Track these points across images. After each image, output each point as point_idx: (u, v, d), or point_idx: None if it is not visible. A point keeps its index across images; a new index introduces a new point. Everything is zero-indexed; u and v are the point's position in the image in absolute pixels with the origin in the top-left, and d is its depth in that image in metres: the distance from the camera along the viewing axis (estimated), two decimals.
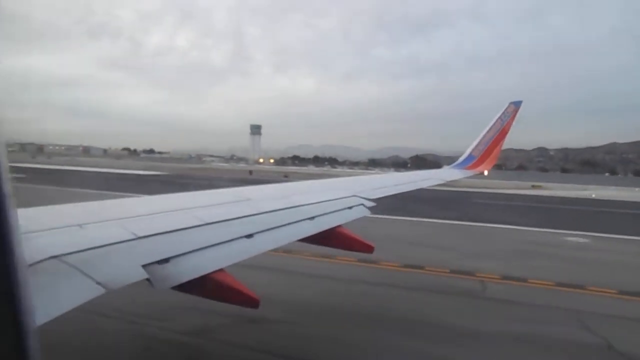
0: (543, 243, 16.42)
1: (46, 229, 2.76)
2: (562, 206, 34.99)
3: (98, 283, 2.33)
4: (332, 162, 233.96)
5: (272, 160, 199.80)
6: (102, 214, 3.37)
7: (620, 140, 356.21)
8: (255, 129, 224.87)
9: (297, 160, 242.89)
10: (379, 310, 8.46)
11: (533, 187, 61.34)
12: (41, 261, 2.29)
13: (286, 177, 53.62)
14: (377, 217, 21.34)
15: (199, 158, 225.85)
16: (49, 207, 3.42)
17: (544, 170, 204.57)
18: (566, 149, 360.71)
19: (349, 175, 10.39)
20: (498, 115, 11.48)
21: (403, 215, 21.97)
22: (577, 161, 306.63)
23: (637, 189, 66.90)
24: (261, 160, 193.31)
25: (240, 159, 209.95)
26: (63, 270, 2.32)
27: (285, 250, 11.60)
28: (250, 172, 71.37)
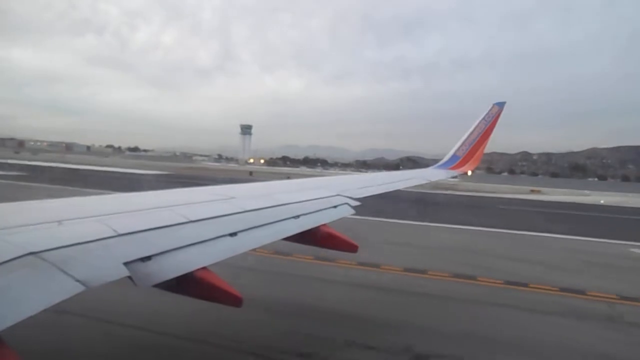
0: (609, 254, 15.82)
1: (25, 224, 2.69)
2: (581, 213, 34.57)
3: (77, 280, 2.26)
4: (324, 163, 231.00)
5: (262, 161, 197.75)
6: (83, 210, 3.29)
7: (600, 146, 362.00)
8: (246, 129, 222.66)
9: (288, 161, 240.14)
10: (527, 338, 7.49)
11: (532, 191, 61.19)
12: (19, 257, 2.23)
13: (289, 179, 52.23)
14: (415, 224, 20.50)
15: (189, 157, 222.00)
16: (28, 202, 3.33)
17: (534, 174, 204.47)
18: (549, 153, 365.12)
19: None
20: (482, 116, 11.37)
21: (437, 222, 21.37)
22: (559, 165, 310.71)
23: (630, 194, 67.00)
24: (251, 160, 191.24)
25: (229, 159, 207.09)
26: (41, 267, 2.26)
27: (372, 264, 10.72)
28: (251, 173, 70.09)
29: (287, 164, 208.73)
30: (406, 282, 10.69)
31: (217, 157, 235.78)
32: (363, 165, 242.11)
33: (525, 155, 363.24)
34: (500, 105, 11.36)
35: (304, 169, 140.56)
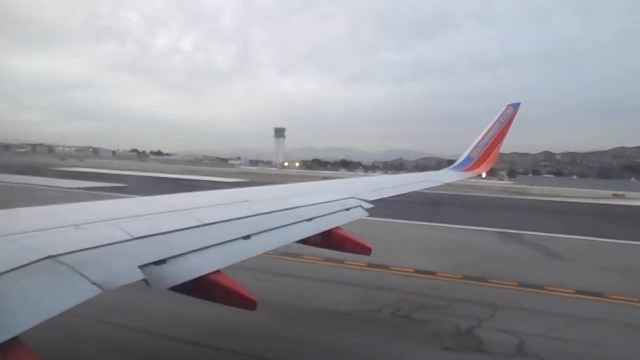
0: None
1: (44, 228, 2.67)
2: None
3: (94, 283, 2.24)
4: (361, 166, 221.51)
5: (297, 164, 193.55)
6: (99, 214, 3.27)
7: (628, 144, 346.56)
8: (280, 132, 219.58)
9: (328, 164, 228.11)
10: None
11: (614, 196, 56.13)
12: (38, 261, 2.22)
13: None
14: (553, 237, 17.60)
15: (224, 161, 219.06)
16: (46, 207, 3.30)
17: (582, 175, 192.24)
18: (573, 152, 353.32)
19: None
20: (496, 117, 11.01)
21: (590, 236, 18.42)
22: (584, 165, 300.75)
23: None
24: (286, 163, 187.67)
25: (265, 162, 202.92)
26: (59, 270, 2.24)
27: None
28: (324, 178, 66.69)
29: (327, 167, 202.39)
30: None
31: (251, 160, 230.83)
32: (400, 167, 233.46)
33: (548, 155, 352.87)
34: (515, 106, 10.96)
35: (343, 172, 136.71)
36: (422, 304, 8.48)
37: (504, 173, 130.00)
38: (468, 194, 44.38)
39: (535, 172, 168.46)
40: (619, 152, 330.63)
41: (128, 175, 52.75)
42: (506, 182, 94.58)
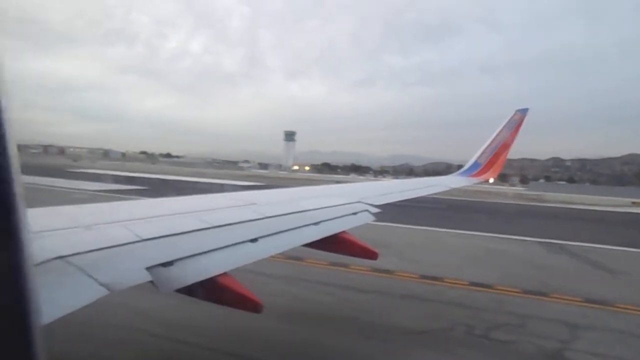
0: None
1: (53, 229, 2.67)
2: None
3: (102, 284, 2.22)
4: (371, 170, 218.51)
5: (307, 168, 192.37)
6: (108, 215, 3.27)
7: (639, 151, 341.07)
8: (290, 136, 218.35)
9: (338, 168, 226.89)
10: None
11: (634, 204, 55.09)
12: (47, 261, 2.22)
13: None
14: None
15: (233, 163, 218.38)
16: (56, 207, 3.27)
17: (594, 182, 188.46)
18: (583, 159, 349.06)
19: None
20: (504, 122, 10.84)
21: None
22: (594, 172, 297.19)
23: None
24: (296, 167, 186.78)
25: (277, 166, 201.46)
26: (68, 270, 2.23)
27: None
28: None
29: (338, 171, 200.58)
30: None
31: (261, 164, 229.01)
32: (410, 172, 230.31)
33: (558, 162, 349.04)
34: (523, 111, 10.77)
35: (354, 176, 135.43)
36: (495, 321, 7.93)
37: (516, 179, 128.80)
38: (485, 200, 43.65)
39: (547, 179, 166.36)
40: (629, 159, 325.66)
41: (147, 178, 52.43)
42: (518, 188, 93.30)
